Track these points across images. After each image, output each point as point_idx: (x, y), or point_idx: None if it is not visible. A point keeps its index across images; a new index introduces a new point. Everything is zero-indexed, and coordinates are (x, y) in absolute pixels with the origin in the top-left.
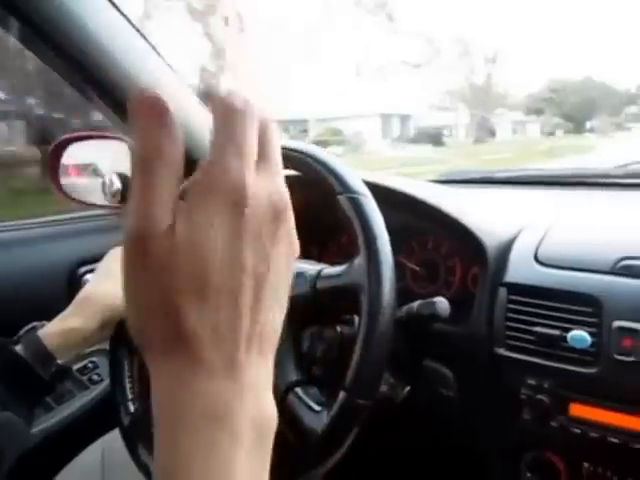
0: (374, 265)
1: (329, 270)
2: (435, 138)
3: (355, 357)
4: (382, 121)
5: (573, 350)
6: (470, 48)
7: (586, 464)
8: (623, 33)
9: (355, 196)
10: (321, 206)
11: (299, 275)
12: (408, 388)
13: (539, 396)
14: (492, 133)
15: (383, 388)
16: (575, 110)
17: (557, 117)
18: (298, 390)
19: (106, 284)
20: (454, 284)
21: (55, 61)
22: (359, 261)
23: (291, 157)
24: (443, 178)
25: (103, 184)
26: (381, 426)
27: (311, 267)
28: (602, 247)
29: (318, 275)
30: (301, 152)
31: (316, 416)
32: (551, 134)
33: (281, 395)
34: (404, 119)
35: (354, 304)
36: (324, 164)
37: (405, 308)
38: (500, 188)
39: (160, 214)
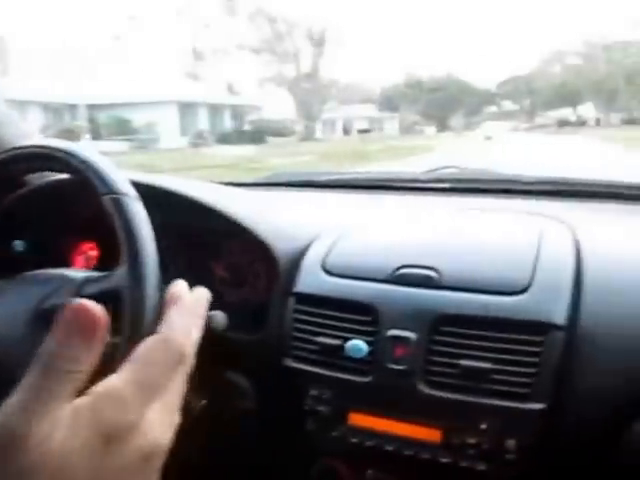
0: (136, 269)
1: (95, 275)
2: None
3: (116, 369)
4: (181, 112)
5: (351, 360)
6: (295, 29)
7: (370, 471)
8: (485, 32)
9: (118, 197)
10: (94, 209)
11: (65, 283)
12: (204, 401)
13: (320, 407)
14: (347, 130)
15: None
16: (434, 107)
17: (414, 114)
18: None
19: None
20: (257, 292)
21: None
22: (122, 265)
23: (55, 157)
24: (263, 181)
25: None
26: (179, 440)
27: (79, 274)
28: (384, 255)
29: (84, 282)
30: (64, 151)
31: None
32: (408, 131)
33: None
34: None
35: (118, 312)
36: (85, 163)
37: None
38: (319, 192)
39: (43, 422)
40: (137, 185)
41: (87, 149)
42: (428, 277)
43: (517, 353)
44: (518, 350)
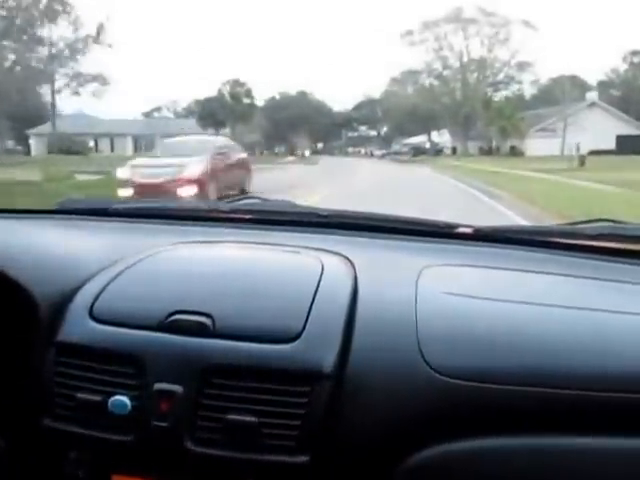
0: None
1: None
2: None
3: None
4: None
5: (113, 417)
6: None
7: None
8: (340, 50)
9: None
10: None
11: None
12: None
13: (80, 470)
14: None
15: None
16: (281, 127)
17: (252, 132)
18: None
19: None
20: (16, 341)
21: None
22: None
23: None
24: (56, 208)
25: None
26: None
27: None
28: (156, 300)
29: None
30: None
31: None
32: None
33: None
34: None
35: None
36: None
37: None
38: (113, 222)
39: None
40: None
41: None
42: (201, 324)
43: (283, 405)
44: (284, 402)
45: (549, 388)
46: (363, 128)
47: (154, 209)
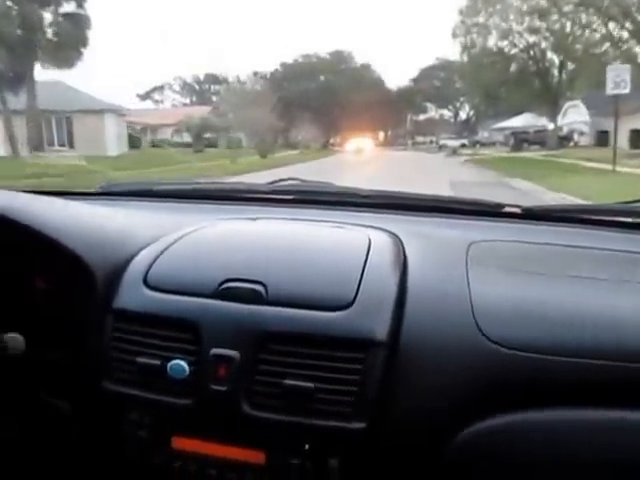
0: None
1: None
2: None
3: None
4: None
5: (172, 381)
6: None
7: None
8: None
9: None
10: None
11: None
12: (18, 427)
13: (140, 432)
14: None
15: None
16: None
17: None
18: None
19: None
20: (75, 309)
21: None
22: None
23: None
24: (100, 190)
25: None
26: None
27: None
28: (209, 269)
29: None
30: None
31: None
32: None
33: None
34: None
35: None
36: None
37: None
38: (156, 202)
39: None
40: None
41: None
42: (254, 292)
43: (339, 371)
44: (340, 368)
45: (603, 360)
46: (430, 106)
47: (194, 190)
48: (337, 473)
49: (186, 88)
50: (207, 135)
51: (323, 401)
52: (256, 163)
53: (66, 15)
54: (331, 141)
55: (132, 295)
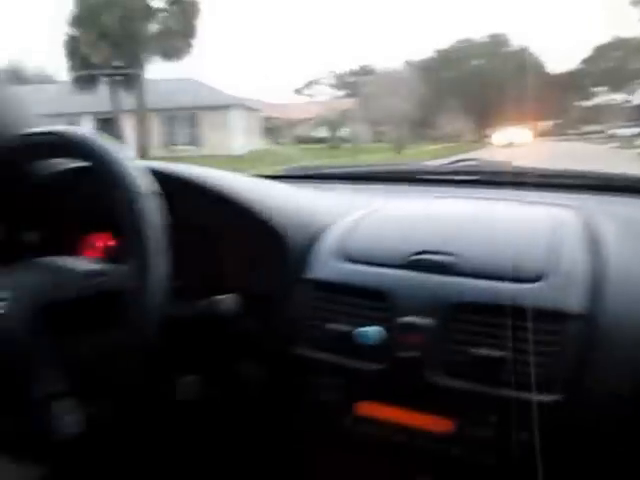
0: (141, 267)
1: (99, 269)
2: None
3: (118, 364)
4: None
5: (362, 347)
6: None
7: (378, 463)
8: None
9: (130, 190)
10: (109, 199)
11: (72, 276)
12: (215, 390)
13: (329, 395)
14: None
15: (188, 390)
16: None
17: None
18: (57, 401)
19: None
20: (268, 280)
21: None
22: (128, 262)
23: (74, 146)
24: (281, 173)
25: None
26: (189, 428)
27: (86, 267)
28: (400, 241)
29: (90, 275)
30: (83, 140)
31: (67, 425)
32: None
33: (38, 403)
34: None
35: (122, 306)
36: (104, 154)
37: (196, 305)
38: (333, 184)
39: None
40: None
41: (104, 139)
42: (445, 263)
43: (533, 343)
44: (534, 340)
45: None
46: (598, 90)
47: (369, 172)
48: (526, 447)
49: (339, 81)
50: (346, 129)
51: (514, 372)
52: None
53: (174, 2)
54: (486, 132)
55: (325, 266)
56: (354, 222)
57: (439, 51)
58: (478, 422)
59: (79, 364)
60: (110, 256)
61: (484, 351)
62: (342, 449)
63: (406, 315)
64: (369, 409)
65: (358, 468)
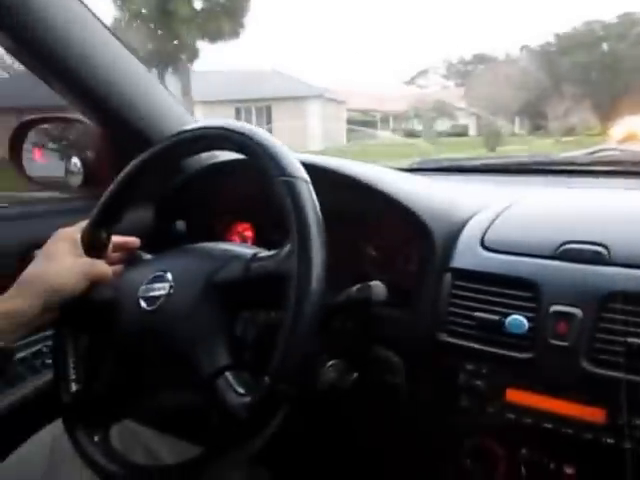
0: (303, 251)
1: (264, 254)
2: None
3: (280, 344)
4: None
5: (510, 335)
6: None
7: (523, 450)
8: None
9: (290, 179)
10: (263, 188)
11: (234, 258)
12: (356, 375)
13: (476, 382)
14: None
15: (331, 375)
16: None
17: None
18: (228, 374)
19: (49, 266)
20: (409, 269)
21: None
22: (291, 246)
23: (230, 139)
24: (415, 166)
25: (65, 167)
26: (327, 413)
27: (247, 250)
28: (547, 231)
29: (253, 259)
30: (240, 133)
31: (241, 400)
32: None
33: (210, 378)
34: None
35: (286, 289)
36: (261, 145)
37: (345, 293)
38: (468, 176)
39: None
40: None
41: (260, 131)
42: (597, 253)
43: None
44: None
45: None
46: None
47: (502, 164)
48: None
49: (452, 70)
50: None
51: None
52: None
53: None
54: (611, 125)
55: (470, 255)
56: (497, 213)
57: (560, 35)
58: (632, 411)
59: (252, 340)
60: (253, 245)
61: (636, 340)
62: (490, 435)
63: (555, 304)
64: (517, 396)
65: (504, 453)
